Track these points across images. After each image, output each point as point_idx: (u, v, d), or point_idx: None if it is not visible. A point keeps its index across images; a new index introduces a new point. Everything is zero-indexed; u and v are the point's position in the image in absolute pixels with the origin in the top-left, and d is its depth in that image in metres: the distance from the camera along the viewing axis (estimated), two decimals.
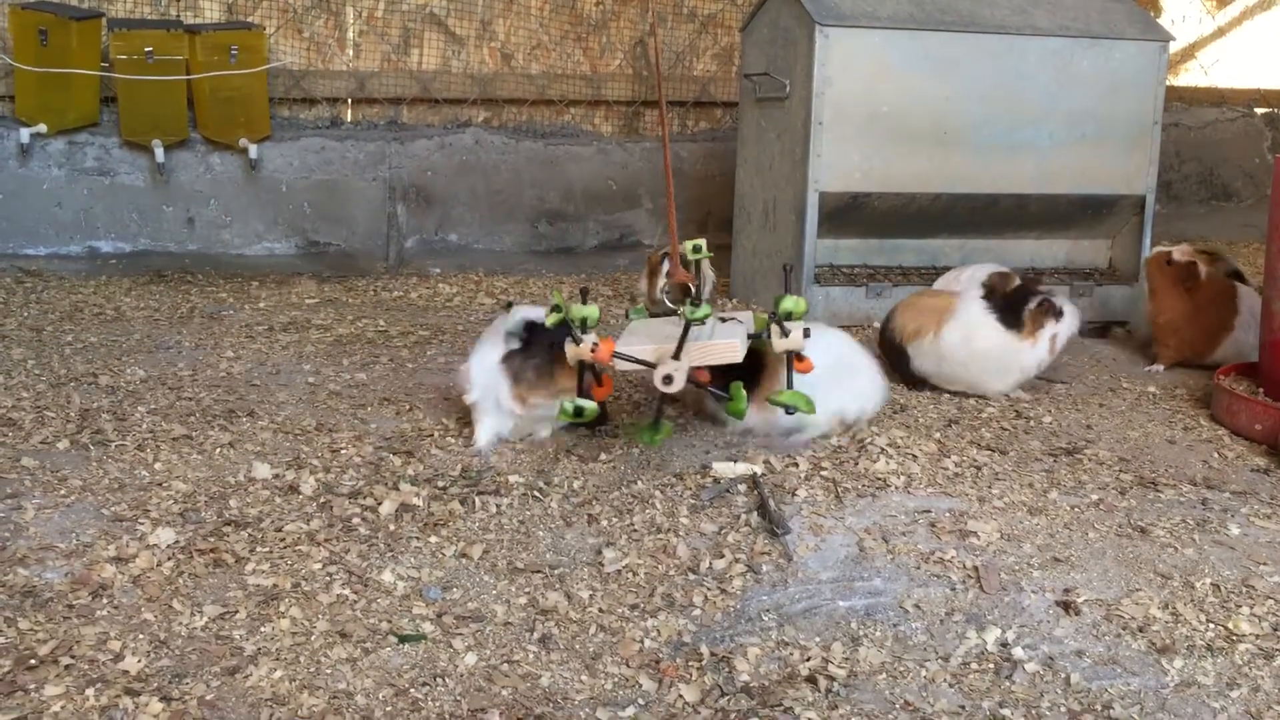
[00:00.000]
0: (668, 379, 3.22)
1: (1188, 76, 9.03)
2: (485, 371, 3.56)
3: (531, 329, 3.50)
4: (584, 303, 3.36)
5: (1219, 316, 4.86)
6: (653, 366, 3.27)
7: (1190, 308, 4.83)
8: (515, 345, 3.52)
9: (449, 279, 6.44)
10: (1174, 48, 6.85)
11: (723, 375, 3.40)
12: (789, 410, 3.38)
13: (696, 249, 4.21)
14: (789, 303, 3.43)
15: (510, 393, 3.50)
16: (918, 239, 5.71)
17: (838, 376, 3.71)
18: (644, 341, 3.42)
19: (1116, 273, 5.89)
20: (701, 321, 3.39)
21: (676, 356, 3.26)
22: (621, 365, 3.35)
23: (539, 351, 3.49)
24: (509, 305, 3.77)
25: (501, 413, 3.57)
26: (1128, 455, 3.78)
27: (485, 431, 3.61)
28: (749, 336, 3.48)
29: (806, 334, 3.38)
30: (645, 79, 7.56)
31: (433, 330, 5.22)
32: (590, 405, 3.28)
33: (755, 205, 5.89)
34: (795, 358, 3.46)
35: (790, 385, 3.44)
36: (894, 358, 4.42)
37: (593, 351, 3.28)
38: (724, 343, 3.36)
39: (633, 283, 6.33)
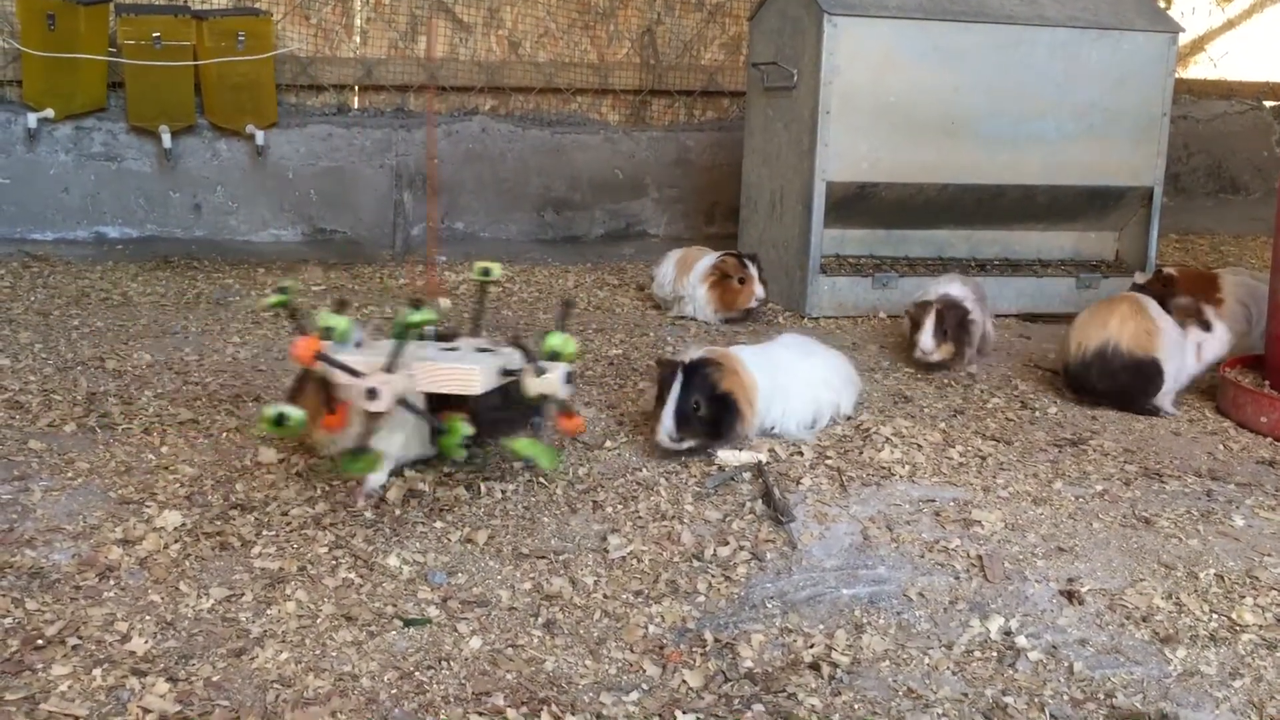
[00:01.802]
0: (372, 393, 2.78)
1: (1197, 69, 9.00)
2: None
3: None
4: (339, 314, 3.01)
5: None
6: (358, 376, 2.82)
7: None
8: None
9: (454, 266, 6.44)
10: (1183, 40, 6.82)
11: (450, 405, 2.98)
12: (527, 462, 3.07)
13: (485, 272, 3.48)
14: (556, 340, 3.05)
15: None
16: (924, 230, 5.71)
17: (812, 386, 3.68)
18: (377, 355, 2.97)
19: (1123, 265, 5.88)
20: (419, 330, 3.09)
21: (390, 370, 2.85)
22: (335, 374, 2.87)
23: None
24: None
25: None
26: (1133, 446, 3.78)
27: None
28: (505, 373, 3.04)
29: (569, 379, 3.00)
30: (653, 68, 7.55)
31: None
32: (296, 414, 2.74)
33: (762, 195, 5.89)
34: (561, 412, 3.08)
35: (538, 432, 3.10)
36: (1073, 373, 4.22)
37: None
38: (460, 369, 2.95)
39: (639, 272, 6.33)
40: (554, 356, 3.05)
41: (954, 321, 4.41)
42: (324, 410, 2.91)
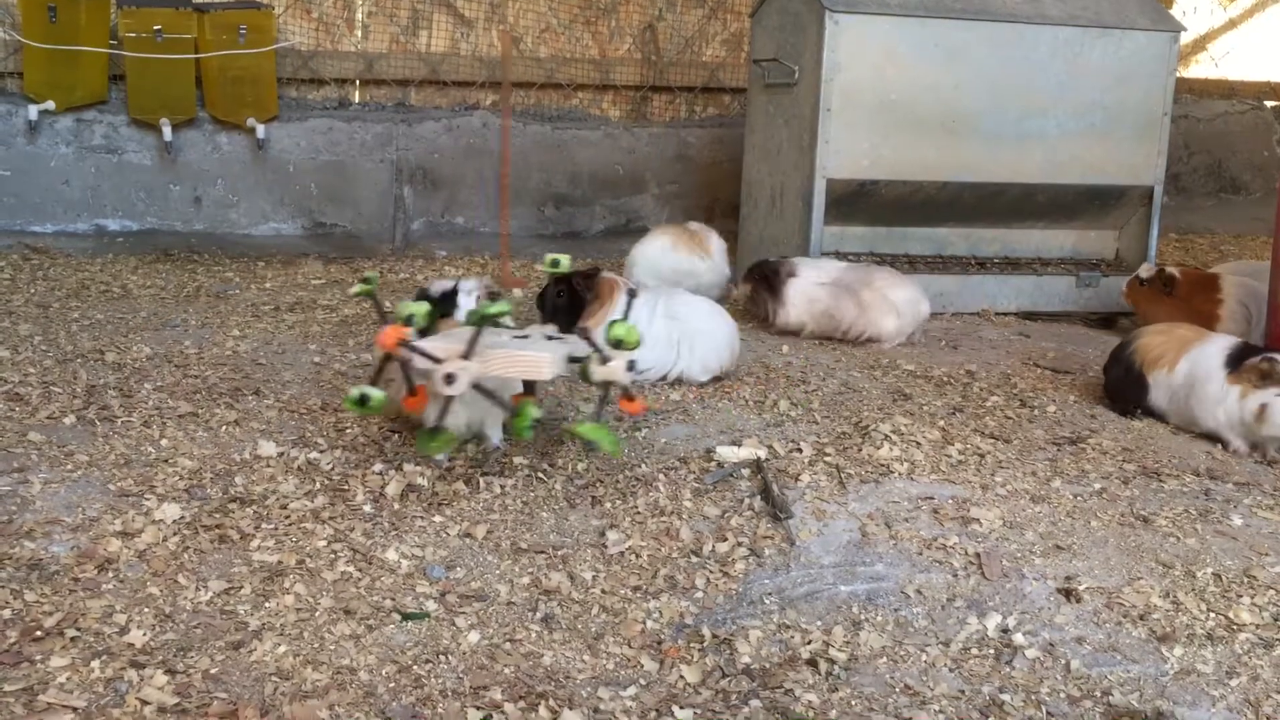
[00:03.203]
0: (449, 378, 2.99)
1: (1198, 68, 9.00)
2: None
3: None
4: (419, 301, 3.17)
5: (1203, 309, 4.92)
6: (438, 362, 3.03)
7: (1174, 310, 4.86)
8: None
9: (455, 261, 6.44)
10: (1185, 39, 6.82)
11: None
12: (588, 445, 3.14)
13: (554, 263, 3.61)
14: (620, 329, 3.15)
15: None
16: (924, 227, 5.71)
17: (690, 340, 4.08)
18: (455, 342, 3.14)
19: (1123, 263, 5.88)
20: (495, 321, 3.20)
21: (467, 357, 3.03)
22: (415, 360, 3.07)
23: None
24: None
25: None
26: (1131, 445, 3.79)
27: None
28: (571, 359, 3.24)
29: (631, 367, 3.14)
30: (654, 64, 7.55)
31: None
32: (377, 394, 3.01)
33: (762, 192, 5.89)
34: (623, 396, 3.23)
35: (599, 418, 3.20)
36: (1129, 384, 4.13)
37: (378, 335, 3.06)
38: (531, 355, 3.12)
39: None
40: (618, 344, 3.16)
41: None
42: (405, 392, 3.14)
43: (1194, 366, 3.91)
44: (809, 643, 2.50)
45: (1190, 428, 3.93)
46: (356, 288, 3.26)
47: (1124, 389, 4.13)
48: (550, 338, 3.34)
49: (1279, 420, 3.65)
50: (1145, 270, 5.17)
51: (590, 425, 3.07)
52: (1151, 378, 4.01)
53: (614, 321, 3.21)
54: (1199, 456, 3.73)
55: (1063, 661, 2.47)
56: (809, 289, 4.94)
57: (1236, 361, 3.81)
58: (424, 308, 3.12)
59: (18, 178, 6.40)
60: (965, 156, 5.47)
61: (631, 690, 2.30)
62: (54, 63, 6.27)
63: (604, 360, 3.14)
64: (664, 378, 4.17)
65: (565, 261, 3.50)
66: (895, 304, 4.88)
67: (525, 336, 3.32)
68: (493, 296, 3.30)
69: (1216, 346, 3.92)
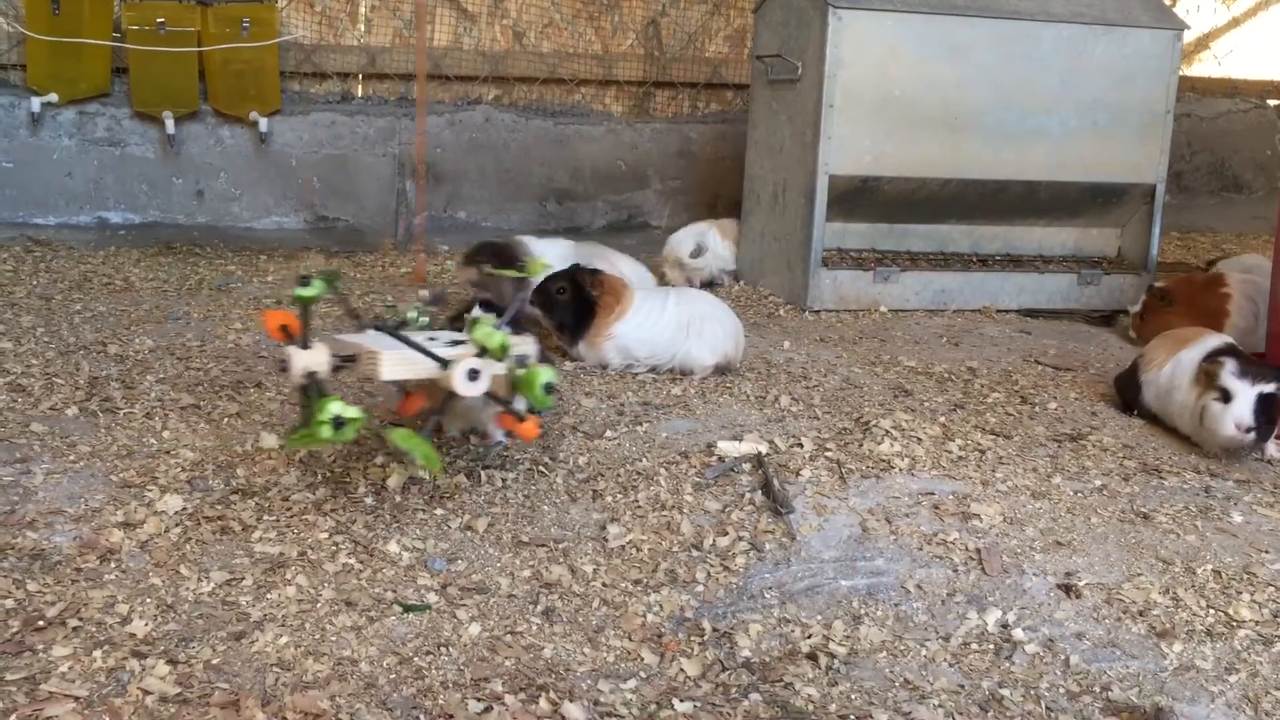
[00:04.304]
0: (473, 374, 2.82)
1: (1201, 67, 8.99)
2: None
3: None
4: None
5: (1212, 308, 4.91)
6: (444, 364, 2.84)
7: (1184, 318, 4.83)
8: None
9: (457, 256, 6.44)
10: (1188, 37, 6.83)
11: None
12: (404, 457, 2.98)
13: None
14: (482, 332, 2.89)
15: None
16: (926, 224, 5.71)
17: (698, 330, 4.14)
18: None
19: (1125, 261, 5.89)
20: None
21: (305, 347, 2.81)
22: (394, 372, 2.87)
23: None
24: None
25: None
26: (1132, 442, 3.79)
27: None
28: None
29: (473, 377, 2.82)
30: (657, 60, 7.55)
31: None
32: (354, 414, 2.73)
33: (765, 188, 5.89)
34: (504, 413, 3.01)
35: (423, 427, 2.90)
36: (1128, 384, 4.10)
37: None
38: (378, 351, 2.87)
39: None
40: (482, 351, 2.89)
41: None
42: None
43: (1176, 368, 3.86)
44: (809, 637, 2.50)
45: (1177, 430, 3.88)
46: (305, 290, 2.85)
47: (1124, 388, 4.13)
48: (456, 342, 3.01)
49: (1214, 423, 3.57)
50: (1133, 308, 5.18)
51: (403, 432, 2.78)
52: (1144, 378, 4.01)
53: (476, 320, 2.95)
54: (1199, 453, 3.73)
55: (1062, 657, 2.47)
56: None
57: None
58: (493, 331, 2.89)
59: (20, 170, 6.40)
60: (968, 153, 5.47)
61: (632, 683, 2.31)
62: (57, 55, 6.27)
63: (445, 365, 2.84)
64: (672, 358, 4.20)
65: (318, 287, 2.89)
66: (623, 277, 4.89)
67: (433, 339, 3.03)
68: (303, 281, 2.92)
69: (1200, 349, 3.84)
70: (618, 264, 4.97)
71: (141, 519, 2.84)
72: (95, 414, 3.53)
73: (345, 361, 2.88)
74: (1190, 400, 3.73)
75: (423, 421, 2.96)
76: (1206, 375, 3.67)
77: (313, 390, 2.83)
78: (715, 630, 2.52)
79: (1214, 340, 3.91)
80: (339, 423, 2.68)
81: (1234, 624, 2.63)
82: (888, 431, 3.59)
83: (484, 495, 3.10)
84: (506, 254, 4.79)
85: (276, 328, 2.79)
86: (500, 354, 2.87)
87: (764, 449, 3.41)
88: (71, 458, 3.20)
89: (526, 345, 3.00)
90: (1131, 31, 5.55)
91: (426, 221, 4.55)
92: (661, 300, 4.29)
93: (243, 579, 2.61)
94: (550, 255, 4.85)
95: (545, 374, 2.90)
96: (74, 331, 4.41)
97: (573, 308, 4.23)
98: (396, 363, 2.85)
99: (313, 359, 2.79)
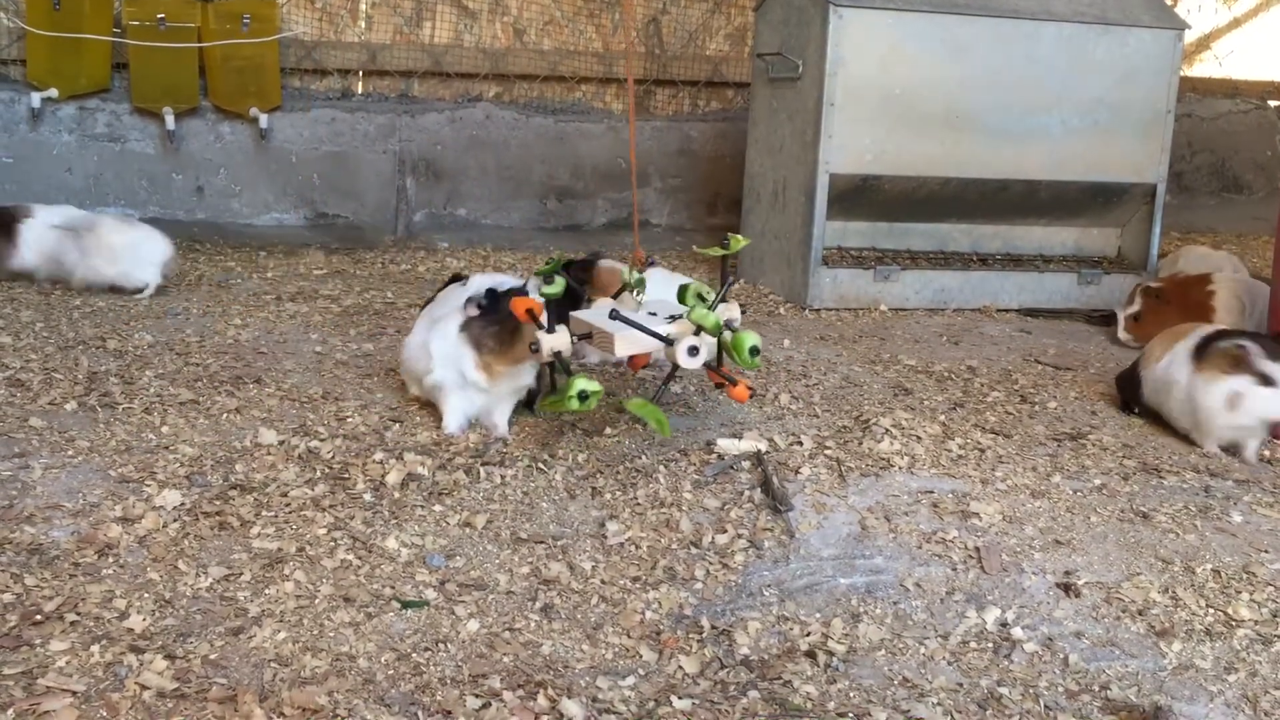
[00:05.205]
0: (693, 351, 3.26)
1: (1202, 67, 8.99)
2: (446, 343, 3.40)
3: (493, 296, 3.37)
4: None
5: (1199, 303, 4.94)
6: (669, 342, 3.28)
7: (1178, 315, 4.84)
8: (474, 313, 3.37)
9: (457, 253, 6.45)
10: (1189, 37, 6.82)
11: None
12: (639, 421, 3.40)
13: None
14: (700, 313, 3.33)
15: (474, 362, 3.37)
16: (927, 223, 5.70)
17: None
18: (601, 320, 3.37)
19: (1125, 261, 5.89)
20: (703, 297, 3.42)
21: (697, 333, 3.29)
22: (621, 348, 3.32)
23: (500, 318, 3.34)
24: (457, 277, 3.71)
25: (467, 389, 3.43)
26: (1132, 441, 3.79)
27: (454, 413, 3.47)
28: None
29: (693, 353, 3.28)
30: (657, 57, 7.54)
31: None
32: (596, 388, 3.18)
33: (765, 186, 5.89)
34: (716, 375, 3.41)
35: (657, 396, 3.46)
36: (1128, 382, 4.08)
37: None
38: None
39: None
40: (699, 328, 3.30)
41: None
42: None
43: (1171, 360, 3.79)
44: (808, 634, 2.50)
45: (1174, 425, 3.86)
46: (550, 288, 3.29)
47: (1124, 386, 4.13)
48: (672, 317, 3.45)
49: (1252, 409, 3.49)
50: (1122, 310, 5.18)
51: (639, 401, 3.26)
52: (1144, 374, 3.99)
53: (694, 302, 3.34)
54: (1199, 453, 3.72)
55: (1061, 656, 2.47)
56: (42, 231, 4.94)
57: (1204, 349, 3.65)
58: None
59: (20, 165, 6.40)
60: (968, 152, 5.47)
61: (630, 680, 2.31)
62: (57, 50, 6.27)
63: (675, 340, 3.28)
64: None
65: (736, 242, 3.51)
66: (114, 249, 4.92)
67: (653, 314, 3.49)
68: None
69: (1193, 339, 3.76)
70: (108, 235, 4.96)
71: (140, 514, 2.83)
72: (94, 409, 3.53)
73: (582, 338, 3.38)
74: (1195, 389, 3.65)
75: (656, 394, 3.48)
76: (1234, 360, 3.52)
77: (559, 367, 3.50)
78: (714, 628, 2.51)
79: (1207, 329, 3.86)
80: (584, 395, 3.15)
81: (1233, 623, 2.63)
82: (887, 430, 3.59)
83: (483, 492, 3.10)
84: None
85: (523, 311, 3.24)
86: (715, 331, 3.29)
87: (763, 447, 3.40)
88: (70, 453, 3.19)
89: (733, 310, 3.41)
90: (1133, 31, 5.55)
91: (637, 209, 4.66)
92: (667, 278, 4.31)
93: (241, 574, 2.60)
94: (53, 218, 4.95)
95: (751, 338, 3.28)
96: (73, 326, 4.40)
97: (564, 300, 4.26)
98: (628, 342, 3.31)
99: (558, 341, 3.25)
